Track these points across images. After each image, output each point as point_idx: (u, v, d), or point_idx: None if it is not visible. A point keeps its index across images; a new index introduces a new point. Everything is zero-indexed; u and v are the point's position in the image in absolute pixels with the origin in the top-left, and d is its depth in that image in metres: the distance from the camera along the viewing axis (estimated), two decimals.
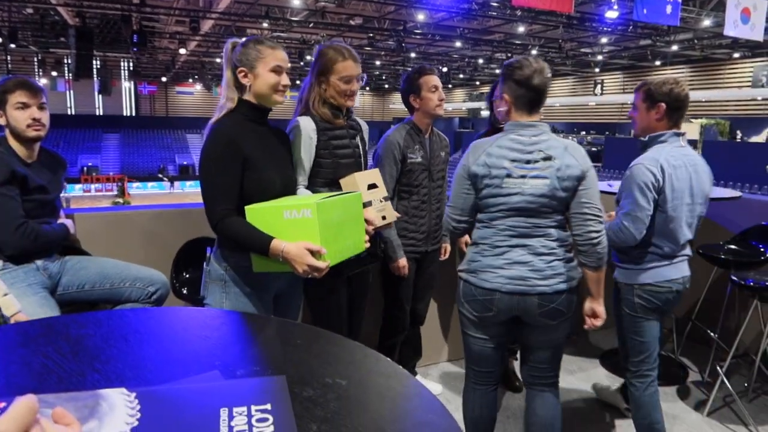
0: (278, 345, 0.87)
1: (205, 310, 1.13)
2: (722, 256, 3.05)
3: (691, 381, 3.09)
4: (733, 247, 3.15)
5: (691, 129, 21.27)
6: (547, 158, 1.80)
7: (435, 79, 2.46)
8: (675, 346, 3.39)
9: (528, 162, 1.80)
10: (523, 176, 1.80)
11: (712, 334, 3.23)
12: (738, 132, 20.76)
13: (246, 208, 1.66)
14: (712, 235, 3.37)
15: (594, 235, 1.83)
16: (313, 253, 1.56)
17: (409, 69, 2.51)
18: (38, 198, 2.00)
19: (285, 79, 1.82)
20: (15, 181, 1.89)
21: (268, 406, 0.67)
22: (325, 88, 2.05)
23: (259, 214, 1.64)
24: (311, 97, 2.07)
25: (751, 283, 2.63)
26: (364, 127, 2.27)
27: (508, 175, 1.81)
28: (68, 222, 2.17)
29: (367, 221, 1.89)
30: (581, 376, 3.11)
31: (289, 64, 1.90)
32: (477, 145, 1.90)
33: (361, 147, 2.18)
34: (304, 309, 2.26)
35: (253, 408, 0.66)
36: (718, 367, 2.85)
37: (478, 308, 1.91)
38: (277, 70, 1.79)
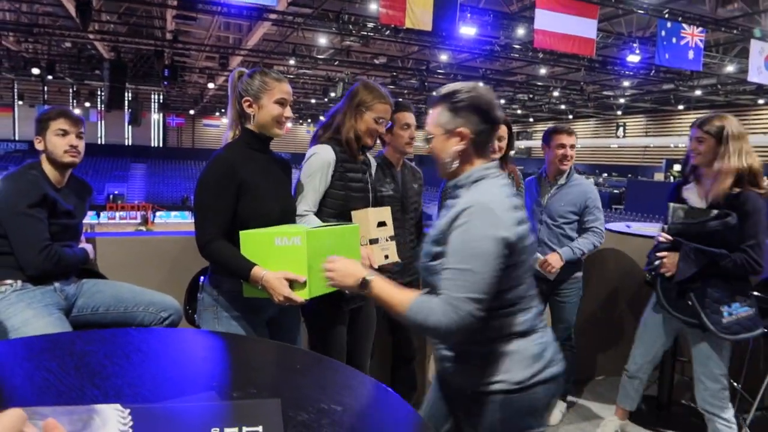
0: (276, 369, 0.87)
1: (208, 333, 1.14)
2: None
3: None
4: (756, 294, 3.06)
5: None
6: None
7: (409, 117, 2.43)
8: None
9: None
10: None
11: (735, 384, 3.10)
12: (766, 178, 20.39)
13: (240, 233, 1.69)
14: None
15: None
16: (293, 283, 1.56)
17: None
18: (64, 222, 2.06)
19: (288, 112, 1.87)
20: (45, 204, 1.96)
21: (260, 429, 0.66)
22: (358, 122, 2.08)
23: (251, 240, 1.67)
24: (345, 124, 2.09)
25: None
26: (373, 163, 2.31)
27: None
28: (88, 246, 2.22)
29: (369, 258, 1.91)
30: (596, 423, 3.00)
31: (292, 98, 1.96)
32: (491, 207, 1.33)
33: (370, 183, 2.21)
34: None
35: (245, 429, 0.66)
36: (741, 420, 2.73)
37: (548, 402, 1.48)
38: (281, 102, 1.85)
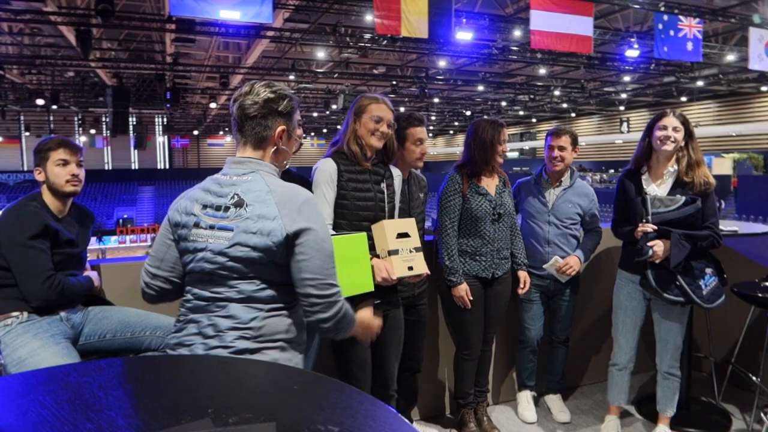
0: (274, 391, 0.85)
1: (207, 357, 1.13)
2: (759, 295, 2.92)
3: (735, 429, 2.90)
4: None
5: (723, 164, 20.82)
6: (239, 204, 1.39)
7: (421, 132, 2.45)
8: (716, 392, 3.21)
9: (219, 208, 1.42)
10: (212, 226, 1.41)
11: (754, 378, 3.05)
12: None
13: None
14: (743, 272, 3.23)
15: (324, 325, 1.39)
16: None
17: (398, 113, 2.51)
18: (67, 251, 2.07)
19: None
20: (47, 234, 1.97)
21: None
22: (357, 127, 2.16)
23: None
24: (346, 134, 2.18)
25: None
26: (396, 174, 2.30)
27: (196, 224, 1.44)
28: (93, 274, 2.23)
29: (386, 270, 1.94)
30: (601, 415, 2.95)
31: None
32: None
33: (386, 194, 2.20)
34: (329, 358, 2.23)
35: None
36: (762, 414, 2.68)
37: None
38: None
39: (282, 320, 1.38)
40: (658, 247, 2.42)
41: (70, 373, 0.88)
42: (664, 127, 2.47)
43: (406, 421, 0.75)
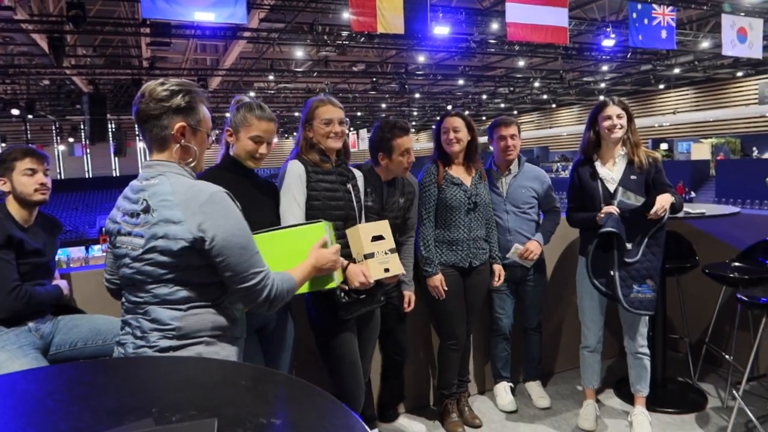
0: (221, 388, 0.85)
1: (159, 359, 1.13)
2: (729, 275, 2.98)
3: (711, 407, 2.95)
4: (739, 264, 3.07)
5: (702, 149, 21.12)
6: (146, 210, 1.38)
7: (408, 141, 2.40)
8: (692, 371, 3.27)
9: (132, 215, 1.42)
10: (129, 233, 1.42)
11: (726, 356, 3.11)
12: (755, 149, 20.55)
13: None
14: (714, 253, 3.29)
15: (260, 310, 1.41)
16: None
17: (382, 120, 2.46)
18: (33, 261, 2.04)
19: (263, 149, 1.96)
20: (11, 245, 1.95)
21: None
22: (311, 134, 2.16)
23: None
24: (300, 143, 2.18)
25: (761, 301, 2.53)
26: (358, 175, 2.31)
27: (119, 231, 1.45)
28: (63, 283, 2.20)
29: (363, 274, 1.97)
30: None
31: (275, 138, 2.01)
32: None
33: (353, 194, 2.21)
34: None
35: None
36: (734, 391, 2.73)
37: None
38: (257, 140, 1.94)
39: (204, 317, 1.37)
40: (610, 207, 2.55)
41: (18, 380, 0.87)
42: (609, 117, 2.60)
43: (351, 411, 0.76)
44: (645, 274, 2.56)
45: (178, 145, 1.44)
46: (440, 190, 2.67)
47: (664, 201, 2.51)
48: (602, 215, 2.54)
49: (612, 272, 2.56)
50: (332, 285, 1.74)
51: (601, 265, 2.59)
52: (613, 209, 2.54)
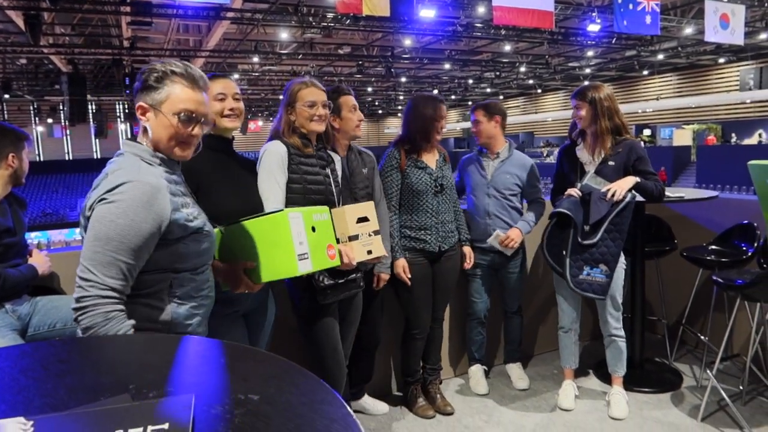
0: (199, 365, 0.85)
1: (137, 337, 1.12)
2: (706, 257, 3.04)
3: (686, 386, 3.03)
4: (715, 247, 3.14)
5: (684, 135, 21.35)
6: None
7: (353, 100, 2.41)
8: (669, 352, 3.35)
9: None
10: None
11: (701, 337, 3.18)
12: (733, 135, 20.83)
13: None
14: (693, 236, 3.35)
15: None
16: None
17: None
18: (6, 242, 2.01)
19: (228, 103, 1.91)
20: None
21: (166, 426, 0.65)
22: (293, 118, 2.13)
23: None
24: (282, 127, 2.14)
25: (737, 283, 2.58)
26: (336, 159, 2.30)
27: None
28: (37, 263, 2.17)
29: (347, 255, 1.95)
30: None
31: (236, 89, 1.95)
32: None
33: (332, 179, 2.20)
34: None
35: (149, 428, 0.65)
36: (708, 371, 2.81)
37: None
38: (218, 98, 1.89)
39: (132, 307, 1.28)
40: (571, 190, 2.66)
41: None
42: (575, 107, 2.70)
43: (330, 388, 0.76)
44: (599, 258, 2.61)
45: (144, 126, 1.43)
46: (404, 175, 2.65)
47: (622, 184, 2.55)
48: (564, 197, 2.62)
49: (564, 252, 2.65)
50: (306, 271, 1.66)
51: (556, 243, 2.69)
52: (575, 192, 2.62)
